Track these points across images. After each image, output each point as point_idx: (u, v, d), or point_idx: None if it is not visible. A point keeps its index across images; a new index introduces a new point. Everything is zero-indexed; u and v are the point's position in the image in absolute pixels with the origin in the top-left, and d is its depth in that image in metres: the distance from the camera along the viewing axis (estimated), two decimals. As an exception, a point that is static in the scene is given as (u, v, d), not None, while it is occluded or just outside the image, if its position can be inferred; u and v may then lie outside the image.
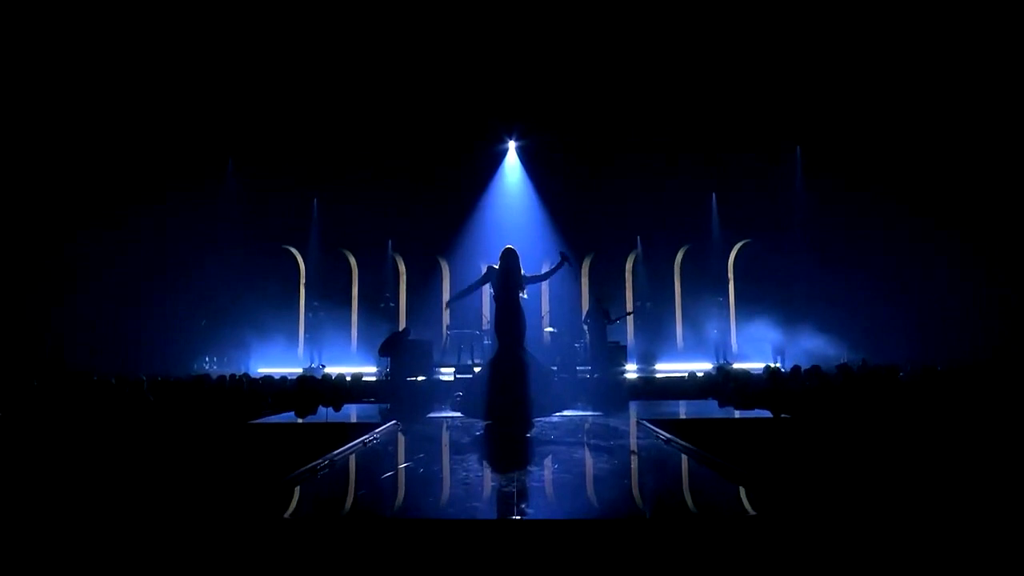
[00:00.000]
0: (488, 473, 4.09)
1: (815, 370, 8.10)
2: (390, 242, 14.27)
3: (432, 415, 7.15)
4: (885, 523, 2.74)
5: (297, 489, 3.43)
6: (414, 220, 13.76)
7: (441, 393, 9.13)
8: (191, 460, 4.47)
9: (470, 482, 3.63)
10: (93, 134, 11.91)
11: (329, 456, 4.08)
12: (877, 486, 3.41)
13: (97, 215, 11.65)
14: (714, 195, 13.81)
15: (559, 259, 6.94)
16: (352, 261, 14.57)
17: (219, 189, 13.03)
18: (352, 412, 7.70)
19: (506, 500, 3.18)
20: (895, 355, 10.14)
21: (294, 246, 14.29)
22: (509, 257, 6.60)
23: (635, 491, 3.55)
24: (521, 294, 6.54)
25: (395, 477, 3.80)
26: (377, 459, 4.45)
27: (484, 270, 6.65)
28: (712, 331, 13.02)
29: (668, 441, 4.76)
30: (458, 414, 6.63)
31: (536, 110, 12.95)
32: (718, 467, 3.80)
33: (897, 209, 11.67)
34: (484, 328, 12.55)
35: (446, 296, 14.28)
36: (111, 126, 12.02)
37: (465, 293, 6.68)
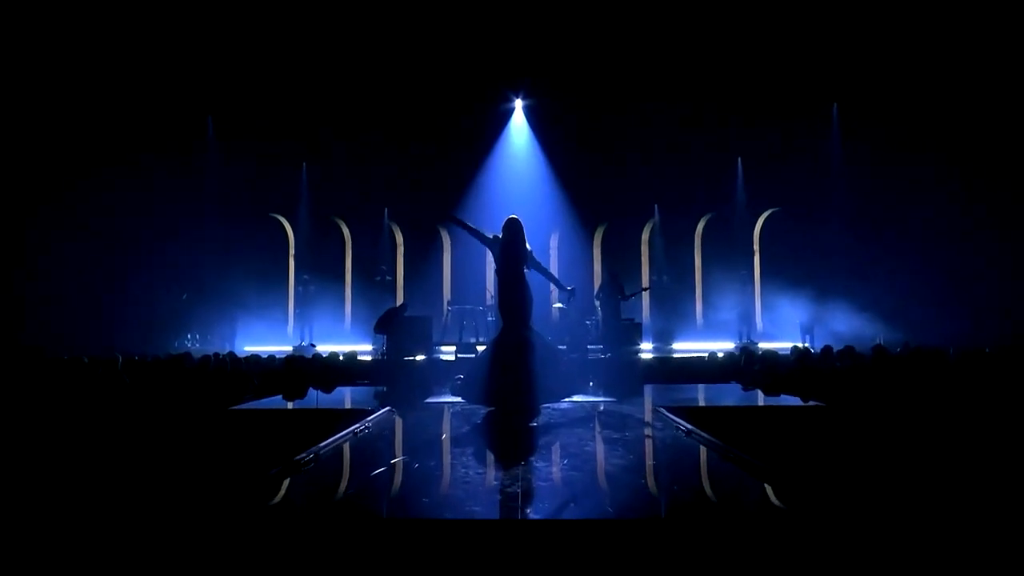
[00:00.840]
0: (490, 470, 3.98)
1: (848, 351, 7.95)
2: (386, 210, 14.12)
3: (430, 400, 7.06)
4: (940, 528, 2.61)
5: (277, 486, 3.33)
6: (412, 186, 13.57)
7: (440, 374, 9.07)
8: (166, 450, 4.38)
9: (470, 480, 3.52)
10: (51, 93, 11.57)
11: (315, 449, 3.98)
12: (928, 487, 3.27)
13: (60, 184, 11.47)
14: (739, 159, 13.52)
15: (569, 291, 7.05)
16: (345, 231, 14.43)
17: (199, 152, 12.82)
18: (345, 396, 7.63)
19: (509, 502, 3.08)
20: (936, 336, 9.96)
21: (282, 214, 14.14)
22: (513, 228, 6.41)
23: (654, 491, 3.43)
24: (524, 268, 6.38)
25: (387, 473, 3.68)
26: (368, 452, 4.35)
27: (491, 237, 6.46)
28: (735, 308, 12.84)
29: (689, 433, 4.64)
30: (458, 399, 6.52)
31: (545, 65, 12.58)
32: (746, 465, 3.67)
33: (945, 174, 11.33)
34: (488, 303, 12.45)
35: (447, 270, 14.17)
36: (72, 83, 11.69)
37: (470, 231, 6.39)
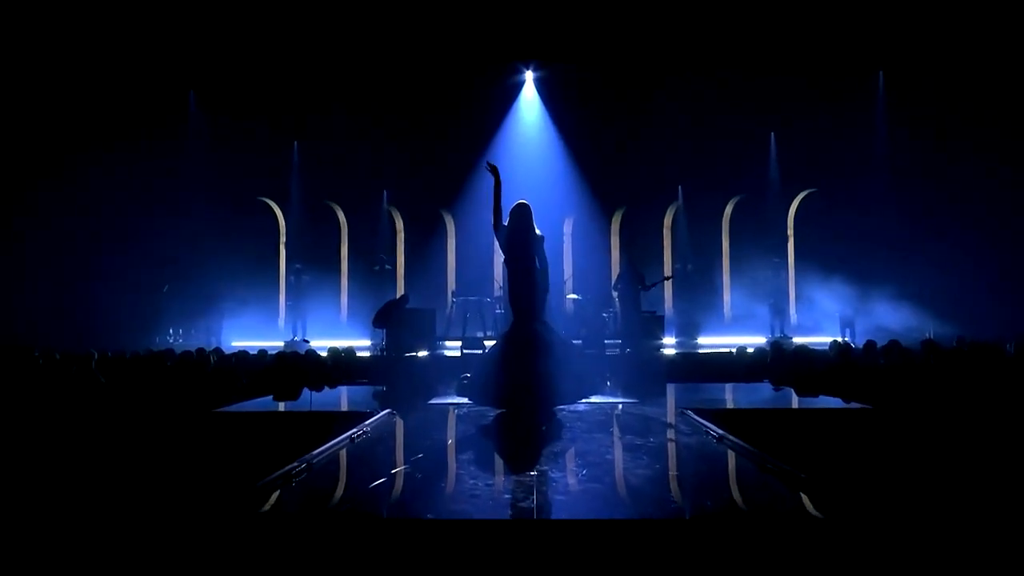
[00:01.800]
0: (500, 480, 3.89)
1: (894, 347, 7.80)
2: (385, 193, 14.05)
3: (434, 401, 7.00)
4: (1005, 548, 2.50)
5: (264, 499, 3.26)
6: (413, 167, 13.47)
7: (445, 372, 9.01)
8: (142, 458, 4.31)
9: (479, 493, 3.45)
10: (14, 68, 11.45)
11: (307, 457, 3.91)
12: (990, 500, 3.15)
13: (29, 170, 11.43)
14: (772, 135, 13.32)
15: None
16: (340, 216, 14.37)
17: (180, 130, 12.74)
18: (341, 396, 7.61)
19: (523, 518, 3.00)
20: (990, 329, 9.78)
21: (272, 198, 14.08)
22: (522, 215, 6.30)
23: (685, 506, 3.32)
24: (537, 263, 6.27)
25: (387, 485, 3.60)
26: (366, 460, 4.30)
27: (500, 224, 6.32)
28: (767, 299, 12.69)
29: (720, 439, 4.54)
30: (465, 400, 6.46)
31: (557, 32, 12.38)
32: (788, 477, 3.55)
33: (1004, 150, 11.08)
34: (496, 294, 12.39)
35: (451, 258, 14.08)
36: (36, 58, 11.59)
37: (496, 201, 6.17)
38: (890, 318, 11.28)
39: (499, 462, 4.63)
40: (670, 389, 8.18)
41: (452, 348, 11.25)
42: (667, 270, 13.47)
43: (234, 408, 5.93)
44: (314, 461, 3.94)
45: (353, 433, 4.75)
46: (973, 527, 2.77)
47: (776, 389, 7.52)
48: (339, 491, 3.69)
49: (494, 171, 6.28)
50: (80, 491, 3.54)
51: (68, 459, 4.27)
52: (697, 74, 12.35)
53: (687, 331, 12.23)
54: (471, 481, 3.72)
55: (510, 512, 3.12)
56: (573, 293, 12.75)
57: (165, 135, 12.43)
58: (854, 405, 5.88)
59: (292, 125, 13.44)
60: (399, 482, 3.71)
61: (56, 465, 4.09)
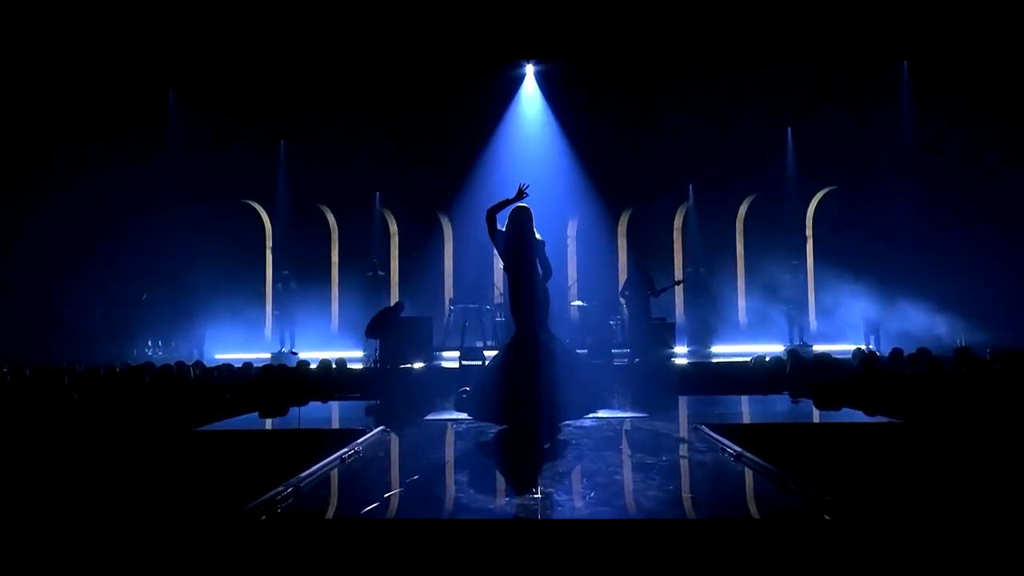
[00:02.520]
0: (503, 503, 3.85)
1: (923, 355, 7.76)
2: (378, 195, 14.04)
3: (431, 417, 6.96)
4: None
5: (247, 527, 3.20)
6: (408, 167, 13.44)
7: (443, 385, 8.96)
8: (117, 482, 4.27)
9: (479, 519, 3.39)
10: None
11: (294, 481, 3.86)
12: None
13: None
14: (790, 130, 13.31)
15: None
16: (331, 219, 14.34)
17: (159, 129, 12.71)
18: (332, 412, 7.57)
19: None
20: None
21: (257, 201, 14.06)
22: (520, 219, 6.29)
23: (705, 535, 3.27)
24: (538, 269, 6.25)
25: (380, 509, 3.56)
26: (358, 483, 4.27)
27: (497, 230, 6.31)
28: (784, 304, 12.64)
29: (738, 457, 4.49)
30: (464, 415, 6.42)
31: (559, 22, 12.36)
32: (813, 499, 3.50)
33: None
34: (497, 302, 12.36)
35: (448, 263, 14.05)
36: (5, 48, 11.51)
37: (498, 210, 6.19)
38: (917, 324, 11.23)
39: (501, 483, 4.59)
40: (682, 402, 8.14)
41: (450, 359, 11.22)
42: (678, 274, 13.43)
43: (217, 427, 5.89)
44: (302, 484, 3.90)
45: (344, 452, 4.71)
46: (1013, 553, 2.71)
47: (795, 401, 7.49)
48: (328, 516, 3.64)
49: (521, 195, 6.30)
50: (51, 519, 3.49)
51: (37, 485, 4.23)
52: (708, 65, 12.33)
53: (700, 339, 12.19)
54: (471, 504, 3.68)
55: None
56: (578, 300, 12.72)
57: (143, 134, 12.41)
58: (880, 419, 5.83)
59: (278, 124, 13.43)
60: (393, 506, 3.67)
61: (24, 492, 4.04)
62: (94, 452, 5.08)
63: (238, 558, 2.95)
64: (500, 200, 6.34)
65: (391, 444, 5.63)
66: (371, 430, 5.61)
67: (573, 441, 5.52)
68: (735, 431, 5.33)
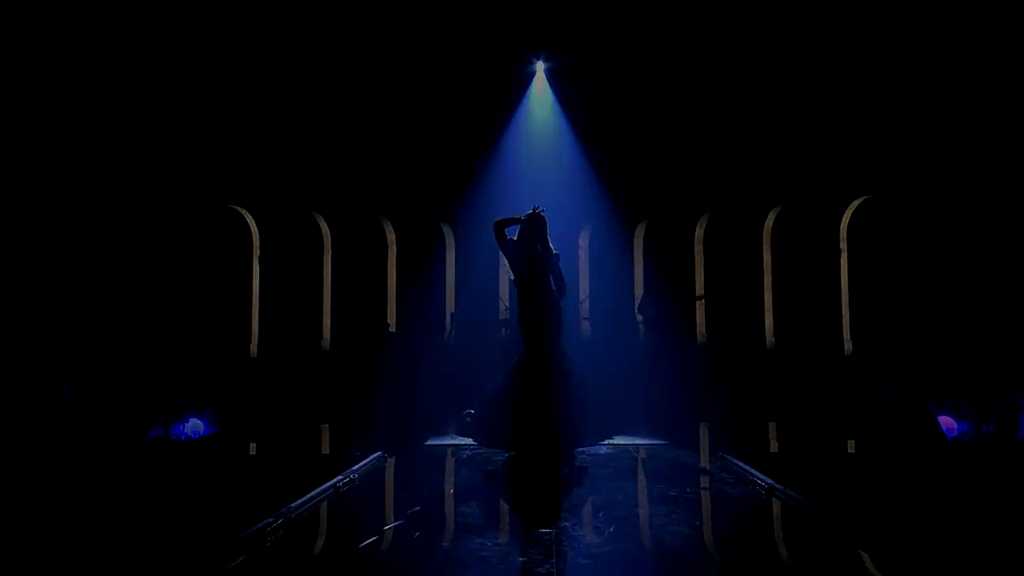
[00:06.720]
0: (511, 539, 3.81)
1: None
2: (374, 203, 13.98)
3: (432, 442, 6.91)
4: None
5: (233, 565, 3.17)
6: (407, 171, 13.41)
7: (445, 407, 8.93)
8: (87, 511, 4.24)
9: (486, 555, 3.36)
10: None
11: (285, 511, 3.84)
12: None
13: None
14: (819, 132, 13.19)
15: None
16: (324, 228, 14.32)
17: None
18: (324, 436, 7.56)
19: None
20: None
21: (244, 207, 14.03)
22: (534, 227, 6.25)
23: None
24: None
25: (377, 548, 3.52)
26: (353, 515, 4.28)
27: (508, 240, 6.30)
28: (815, 323, 12.53)
29: (770, 490, 4.43)
30: (468, 440, 6.40)
31: (574, 16, 12.38)
32: (849, 534, 3.45)
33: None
34: (502, 316, 12.31)
35: (450, 274, 14.00)
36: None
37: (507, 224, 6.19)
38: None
39: (509, 515, 4.54)
40: (703, 428, 8.10)
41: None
42: (699, 290, 13.31)
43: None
44: (293, 515, 3.88)
45: (338, 481, 4.69)
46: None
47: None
48: (320, 552, 3.61)
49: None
50: (16, 550, 3.46)
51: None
52: (732, 63, 12.27)
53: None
54: (476, 540, 3.62)
55: (525, 580, 3.03)
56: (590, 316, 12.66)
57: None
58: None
59: (268, 121, 13.39)
60: (392, 540, 3.63)
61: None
62: (65, 469, 5.06)
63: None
64: (510, 216, 6.36)
65: (388, 471, 5.63)
66: (367, 456, 5.59)
67: (589, 469, 5.51)
68: (763, 460, 5.32)
